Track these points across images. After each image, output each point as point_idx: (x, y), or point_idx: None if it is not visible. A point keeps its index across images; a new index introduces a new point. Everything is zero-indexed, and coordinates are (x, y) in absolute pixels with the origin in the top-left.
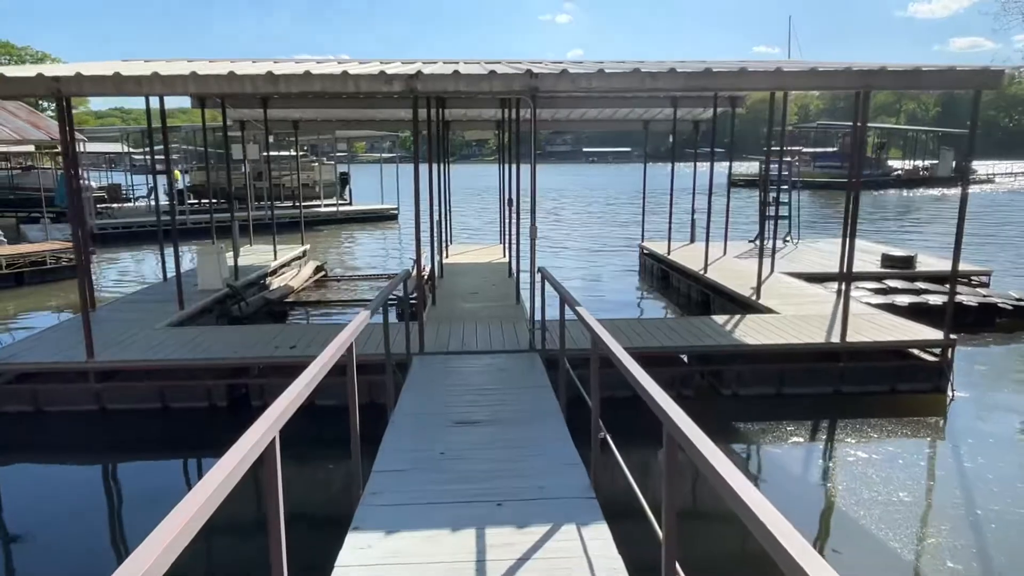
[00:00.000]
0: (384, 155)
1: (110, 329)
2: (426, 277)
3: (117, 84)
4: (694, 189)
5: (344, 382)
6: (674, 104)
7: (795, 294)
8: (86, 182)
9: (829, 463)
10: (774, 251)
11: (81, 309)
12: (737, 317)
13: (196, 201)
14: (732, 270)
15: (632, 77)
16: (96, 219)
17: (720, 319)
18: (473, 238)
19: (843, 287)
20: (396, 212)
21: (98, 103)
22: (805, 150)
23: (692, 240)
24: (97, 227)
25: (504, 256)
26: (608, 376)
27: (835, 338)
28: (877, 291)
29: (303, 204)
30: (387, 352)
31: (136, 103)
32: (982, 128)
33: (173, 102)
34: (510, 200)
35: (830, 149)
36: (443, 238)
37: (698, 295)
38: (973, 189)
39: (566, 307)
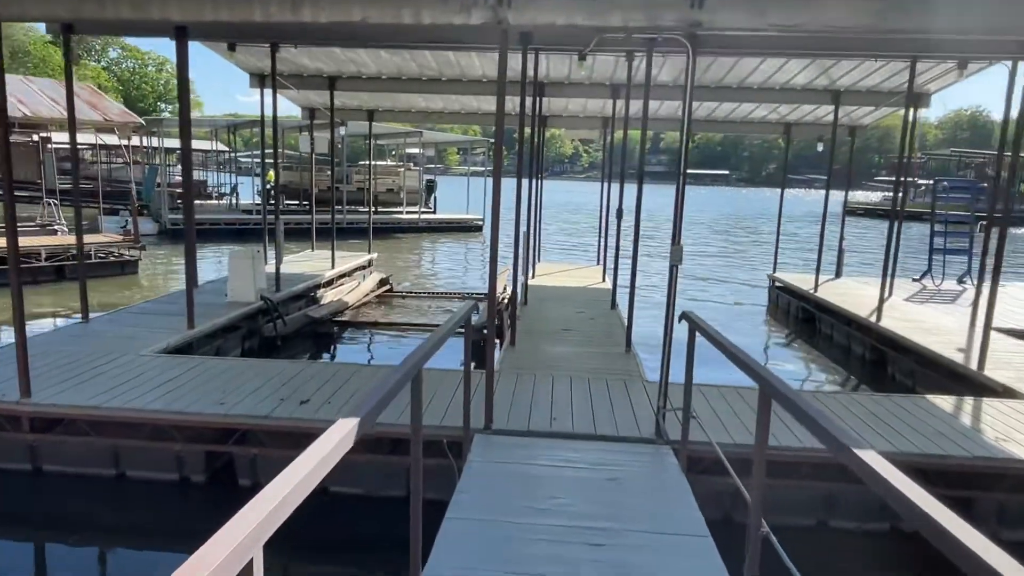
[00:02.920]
0: (473, 168)
1: (82, 350)
2: (506, 301)
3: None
4: (825, 214)
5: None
6: (836, 100)
7: None
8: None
9: None
10: (956, 296)
11: (15, 328)
12: (970, 402)
13: (288, 202)
14: (912, 320)
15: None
16: (171, 214)
17: (942, 402)
18: (565, 257)
19: None
20: (481, 223)
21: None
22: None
23: (838, 275)
24: (170, 222)
25: (603, 280)
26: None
27: None
28: None
29: (385, 210)
30: (418, 427)
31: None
32: None
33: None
34: (619, 211)
35: (958, 177)
36: (530, 255)
37: (868, 351)
38: None
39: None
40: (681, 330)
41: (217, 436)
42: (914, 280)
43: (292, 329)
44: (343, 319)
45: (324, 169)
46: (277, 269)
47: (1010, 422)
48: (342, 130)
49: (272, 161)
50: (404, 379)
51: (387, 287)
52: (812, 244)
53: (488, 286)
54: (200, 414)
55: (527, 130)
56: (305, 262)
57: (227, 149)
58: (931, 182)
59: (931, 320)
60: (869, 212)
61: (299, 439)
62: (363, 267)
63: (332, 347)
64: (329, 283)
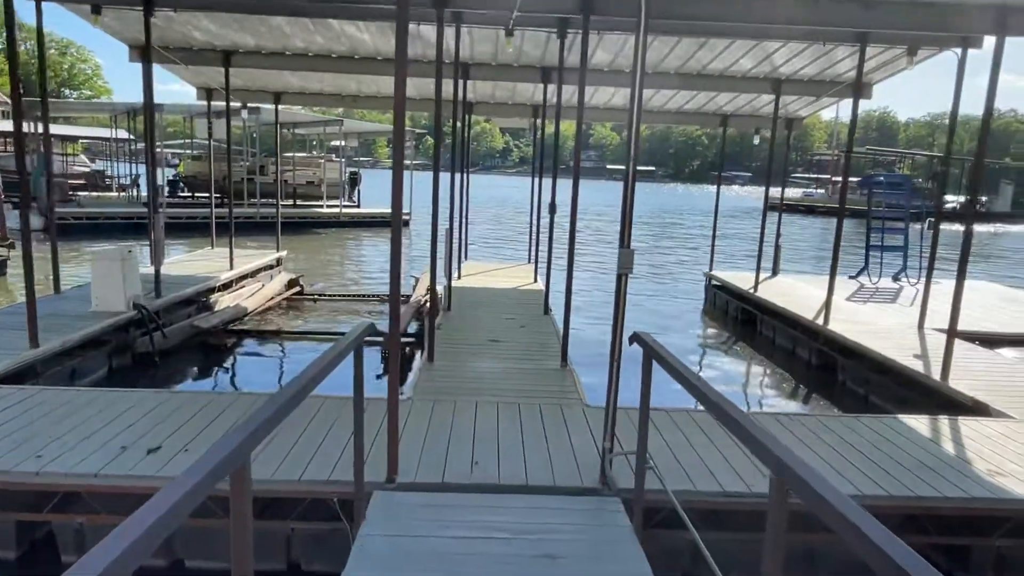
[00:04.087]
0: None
1: None
2: (426, 305)
3: None
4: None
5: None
6: (777, 90)
7: (1002, 373)
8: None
9: None
10: (895, 294)
11: None
12: (946, 424)
13: (190, 194)
14: (859, 322)
15: None
16: (61, 207)
17: (917, 424)
18: (495, 254)
19: None
20: (408, 218)
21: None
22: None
23: (775, 272)
24: (58, 216)
25: (535, 280)
26: None
27: None
28: None
29: (304, 204)
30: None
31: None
32: None
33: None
34: (552, 205)
35: (879, 175)
36: (454, 254)
37: (815, 356)
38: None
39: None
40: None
41: (32, 501)
42: (851, 278)
43: (175, 342)
44: (241, 327)
45: (237, 159)
46: (157, 271)
47: (998, 449)
48: (245, 114)
49: (167, 148)
50: (269, 424)
51: (297, 289)
52: (739, 240)
53: (390, 299)
54: (6, 473)
55: (450, 118)
56: (200, 262)
57: (129, 137)
58: (861, 179)
59: (879, 322)
60: (791, 208)
61: (139, 502)
62: (270, 267)
63: (225, 362)
64: (227, 286)
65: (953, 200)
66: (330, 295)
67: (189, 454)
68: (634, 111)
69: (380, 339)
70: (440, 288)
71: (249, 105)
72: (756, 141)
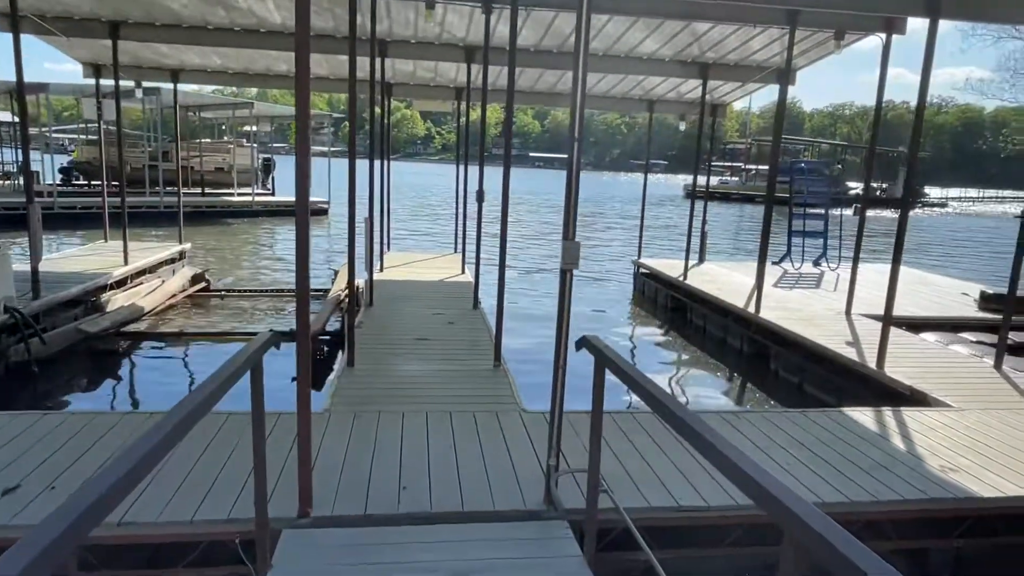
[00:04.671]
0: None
1: None
2: (346, 301)
3: None
4: (694, 196)
5: None
6: (704, 74)
7: (931, 359)
8: None
9: None
10: (818, 280)
11: None
12: (890, 416)
13: (85, 183)
14: (788, 308)
15: None
16: None
17: (863, 418)
18: (419, 244)
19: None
20: (327, 206)
21: None
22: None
23: (701, 260)
24: None
25: (463, 272)
26: None
27: None
28: (995, 346)
29: (213, 192)
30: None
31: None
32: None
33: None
34: (479, 192)
35: (800, 162)
36: (373, 245)
37: (746, 344)
38: (927, 212)
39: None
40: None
41: None
42: (774, 264)
43: (56, 349)
44: (137, 329)
45: (139, 144)
46: (34, 269)
47: (945, 442)
48: (139, 93)
49: (59, 132)
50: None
51: (203, 285)
52: (660, 228)
53: (296, 295)
54: None
55: (364, 97)
56: (91, 257)
57: (13, 120)
58: (767, 167)
59: (808, 309)
60: (710, 195)
61: None
62: (172, 260)
63: (118, 370)
64: (121, 283)
65: (855, 186)
66: (240, 291)
67: (57, 493)
68: (578, 93)
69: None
70: (361, 282)
71: (145, 85)
72: (682, 127)
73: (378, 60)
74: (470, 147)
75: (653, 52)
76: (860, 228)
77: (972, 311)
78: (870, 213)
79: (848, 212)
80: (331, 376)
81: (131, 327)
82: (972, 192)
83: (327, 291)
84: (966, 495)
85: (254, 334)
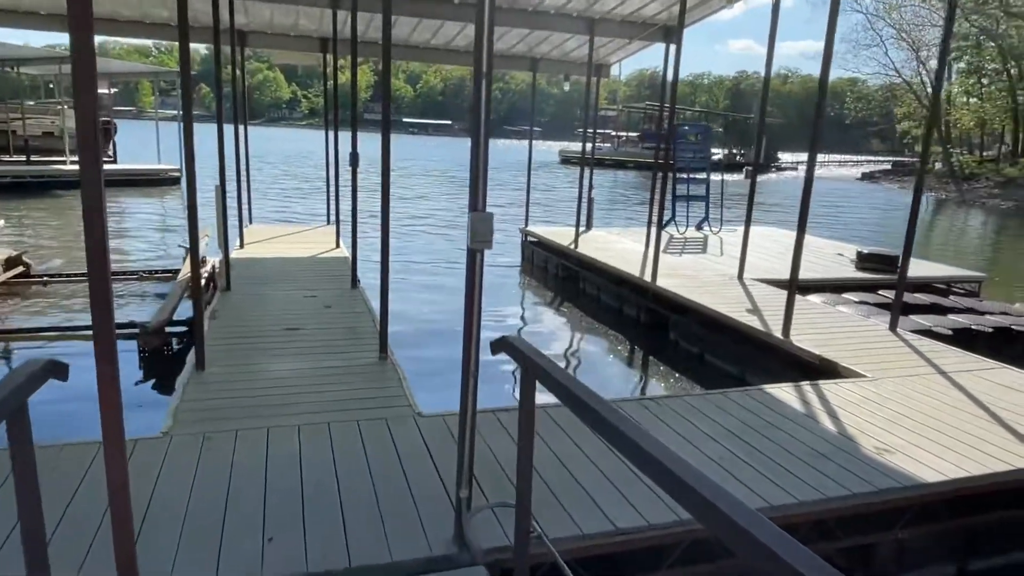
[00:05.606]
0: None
1: None
2: (205, 284)
3: None
4: (584, 161)
5: None
6: (591, 30)
7: (830, 324)
8: None
9: None
10: (703, 244)
11: None
12: (811, 392)
13: None
14: (683, 276)
15: None
16: None
17: (785, 395)
18: (285, 216)
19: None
20: (178, 174)
21: None
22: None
23: (589, 227)
24: None
25: (338, 246)
26: None
27: None
28: (880, 306)
29: (41, 160)
30: None
31: None
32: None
33: None
34: (353, 155)
35: (684, 125)
36: (226, 218)
37: (643, 313)
38: (781, 176)
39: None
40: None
41: None
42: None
43: None
44: None
45: None
46: None
47: (871, 418)
48: None
49: None
50: None
51: (20, 269)
52: (538, 193)
53: (89, 280)
54: None
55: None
56: None
57: None
58: (644, 132)
59: (701, 275)
60: (584, 161)
61: None
62: None
63: None
64: None
65: (716, 152)
66: (69, 276)
67: None
68: (483, 46)
69: (135, 331)
70: (215, 262)
71: None
72: (567, 87)
73: (225, 1)
74: (341, 110)
75: (538, 3)
76: (752, 192)
77: (851, 271)
78: (728, 177)
79: (728, 177)
80: (178, 387)
81: None
82: (819, 157)
83: (176, 272)
84: (912, 481)
85: (85, 329)
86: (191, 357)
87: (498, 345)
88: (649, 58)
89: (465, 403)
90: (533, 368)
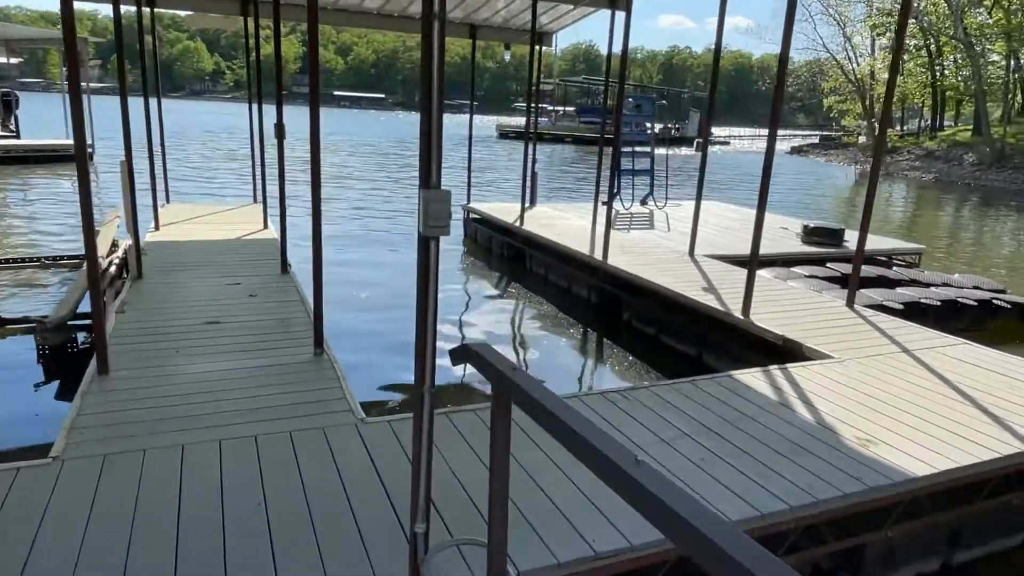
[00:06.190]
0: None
1: None
2: (110, 270)
3: None
4: (527, 135)
5: None
6: None
7: (788, 302)
8: None
9: None
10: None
11: None
12: (781, 378)
13: None
14: (633, 253)
15: None
16: None
17: (756, 382)
18: (206, 194)
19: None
20: (91, 151)
21: None
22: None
23: (533, 203)
24: None
25: (265, 227)
26: None
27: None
28: (830, 279)
29: None
30: None
31: None
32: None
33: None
34: (279, 126)
35: (628, 97)
36: (134, 196)
37: (595, 294)
38: (716, 150)
39: None
40: None
41: None
42: (603, 204)
43: None
44: None
45: None
46: None
47: (848, 404)
48: None
49: None
50: None
51: None
52: (480, 169)
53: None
54: None
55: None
56: None
57: None
58: (573, 108)
59: (653, 252)
60: (519, 135)
61: None
62: None
63: None
64: None
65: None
66: None
67: None
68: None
69: (32, 326)
70: (125, 245)
71: None
72: (507, 57)
73: None
74: (267, 82)
75: None
76: (703, 166)
77: (798, 245)
78: (662, 152)
79: (670, 152)
80: (76, 401)
81: None
82: (748, 131)
83: (82, 258)
84: (902, 476)
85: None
86: (94, 360)
87: (459, 354)
88: (585, 31)
89: (419, 425)
90: (507, 384)
